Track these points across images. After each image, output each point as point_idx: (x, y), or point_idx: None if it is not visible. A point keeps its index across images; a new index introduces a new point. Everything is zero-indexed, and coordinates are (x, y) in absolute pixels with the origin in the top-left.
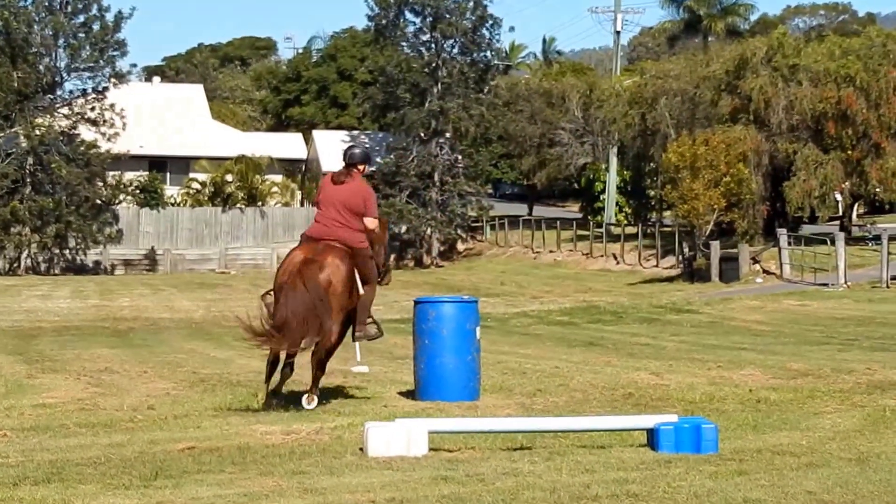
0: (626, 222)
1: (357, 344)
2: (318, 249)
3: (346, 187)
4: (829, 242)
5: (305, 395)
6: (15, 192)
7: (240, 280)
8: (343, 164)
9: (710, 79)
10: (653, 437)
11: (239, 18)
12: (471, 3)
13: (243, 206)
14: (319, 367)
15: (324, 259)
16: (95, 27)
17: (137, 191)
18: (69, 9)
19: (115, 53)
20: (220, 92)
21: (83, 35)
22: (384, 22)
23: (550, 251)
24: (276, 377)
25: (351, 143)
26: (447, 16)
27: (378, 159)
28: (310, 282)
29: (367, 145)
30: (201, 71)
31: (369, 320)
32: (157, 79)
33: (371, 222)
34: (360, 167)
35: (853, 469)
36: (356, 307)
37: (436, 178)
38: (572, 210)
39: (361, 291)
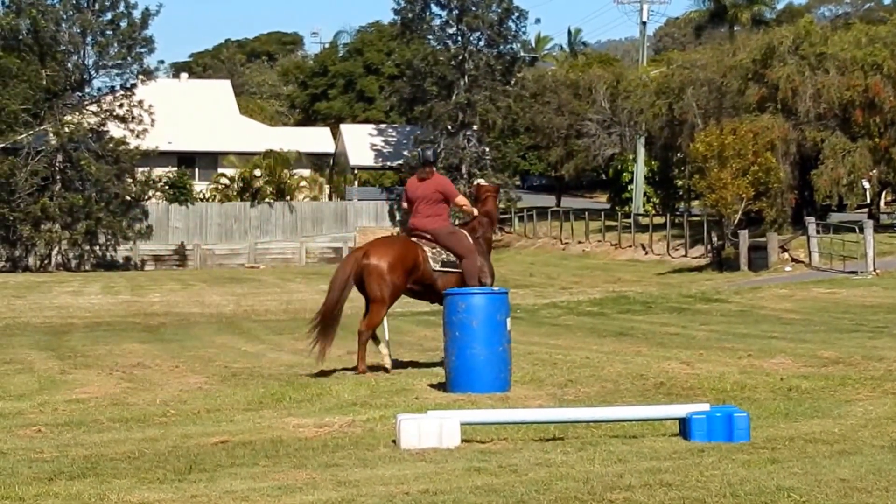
0: (654, 212)
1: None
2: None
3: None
4: (857, 230)
5: None
6: (45, 190)
7: (269, 274)
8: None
9: (737, 68)
10: (685, 427)
11: (265, 14)
12: None
13: (272, 201)
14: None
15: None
16: (123, 24)
17: (166, 187)
18: (97, 6)
19: (142, 50)
20: (247, 87)
21: (111, 32)
22: (410, 15)
23: (579, 242)
24: None
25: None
26: (473, 8)
27: (405, 153)
28: None
29: (394, 139)
30: (228, 67)
31: None
32: (184, 75)
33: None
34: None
35: (886, 456)
36: None
37: (463, 170)
38: (600, 201)
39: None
